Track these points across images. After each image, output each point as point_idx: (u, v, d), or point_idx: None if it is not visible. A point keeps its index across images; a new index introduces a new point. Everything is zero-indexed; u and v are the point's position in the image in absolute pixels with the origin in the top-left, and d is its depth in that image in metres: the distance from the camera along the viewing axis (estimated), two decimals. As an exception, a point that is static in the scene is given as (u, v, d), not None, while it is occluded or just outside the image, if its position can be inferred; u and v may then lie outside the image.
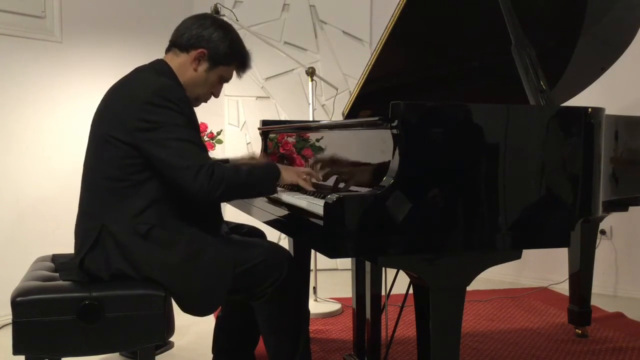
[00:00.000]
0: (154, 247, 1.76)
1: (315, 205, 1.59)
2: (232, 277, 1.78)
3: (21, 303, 1.66)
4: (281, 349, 1.90)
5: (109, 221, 1.77)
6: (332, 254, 1.42)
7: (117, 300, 1.71)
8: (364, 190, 1.59)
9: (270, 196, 1.95)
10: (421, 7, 2.19)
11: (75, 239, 1.87)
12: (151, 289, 1.75)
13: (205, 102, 2.03)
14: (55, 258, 2.09)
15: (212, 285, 1.79)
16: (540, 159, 1.56)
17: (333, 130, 2.04)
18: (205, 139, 3.73)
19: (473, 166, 1.50)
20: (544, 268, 3.88)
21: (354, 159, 1.86)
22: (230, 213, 2.66)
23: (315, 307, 3.22)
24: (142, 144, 1.74)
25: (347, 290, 2.53)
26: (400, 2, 2.17)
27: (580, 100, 2.29)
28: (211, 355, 2.25)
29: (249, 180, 1.80)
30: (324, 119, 4.03)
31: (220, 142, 3.85)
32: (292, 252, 2.60)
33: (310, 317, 2.64)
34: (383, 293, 2.22)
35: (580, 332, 2.85)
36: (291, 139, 2.36)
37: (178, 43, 1.93)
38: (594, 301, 2.96)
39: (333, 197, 1.37)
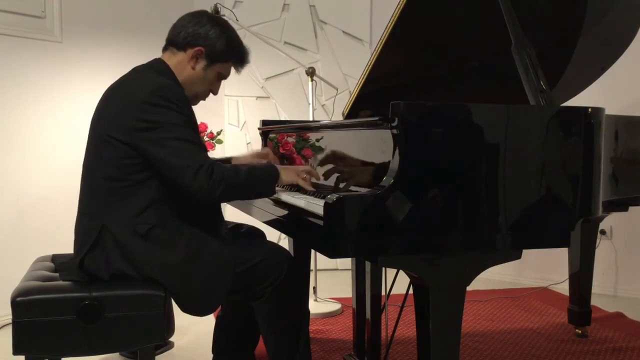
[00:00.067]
0: (154, 247, 1.76)
1: (315, 205, 1.59)
2: (232, 276, 1.78)
3: (21, 303, 1.66)
4: (281, 349, 1.90)
5: (109, 221, 1.77)
6: (332, 254, 1.42)
7: (117, 300, 1.71)
8: (364, 190, 1.59)
9: (270, 196, 1.95)
10: (421, 7, 2.19)
11: (75, 239, 1.87)
12: (151, 289, 1.75)
13: (204, 100, 2.03)
14: (55, 258, 2.09)
15: (212, 285, 1.79)
16: (540, 159, 1.56)
17: (333, 130, 2.04)
18: (205, 139, 3.72)
19: (473, 166, 1.50)
20: (544, 268, 3.88)
21: (354, 159, 1.86)
22: (230, 213, 2.66)
23: (315, 307, 3.22)
24: (141, 143, 1.73)
25: (347, 290, 2.53)
26: (400, 2, 2.17)
27: (580, 100, 2.28)
28: (211, 355, 2.25)
29: (249, 180, 1.80)
30: (324, 119, 4.02)
31: (220, 142, 3.85)
32: (292, 252, 2.60)
33: (310, 317, 2.64)
34: (383, 293, 2.22)
35: (580, 332, 2.85)
36: (291, 139, 2.36)
37: (175, 41, 1.93)
38: (594, 301, 2.96)
39: (333, 197, 1.37)
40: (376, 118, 1.56)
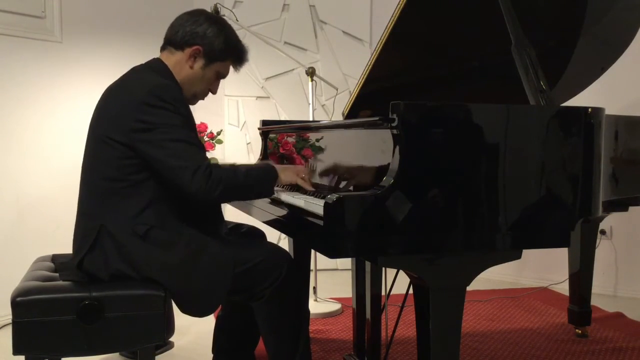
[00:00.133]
0: (153, 248, 1.76)
1: (315, 205, 1.59)
2: (231, 277, 1.78)
3: (21, 303, 1.66)
4: (281, 349, 1.90)
5: (108, 222, 1.77)
6: (332, 254, 1.42)
7: (117, 300, 1.71)
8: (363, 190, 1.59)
9: (269, 197, 1.95)
10: (421, 7, 2.19)
11: (74, 239, 1.87)
12: (151, 289, 1.75)
13: (203, 99, 2.02)
14: (55, 258, 2.09)
15: (212, 285, 1.78)
16: (540, 159, 1.56)
17: (333, 130, 2.04)
18: (205, 139, 3.73)
19: (473, 166, 1.50)
20: (544, 268, 3.88)
21: (354, 159, 1.86)
22: (230, 213, 2.66)
23: (315, 307, 3.21)
24: (139, 144, 1.73)
25: (347, 290, 2.53)
26: (400, 2, 2.17)
27: (580, 100, 2.28)
28: (211, 355, 2.25)
29: (247, 181, 1.79)
30: (324, 119, 4.02)
31: (220, 142, 3.85)
32: (292, 253, 2.60)
33: (310, 317, 2.64)
34: (383, 293, 2.22)
35: (580, 332, 2.85)
36: (291, 139, 2.36)
37: (172, 41, 1.92)
38: (594, 301, 2.96)
39: (333, 197, 1.37)
40: (376, 118, 1.56)
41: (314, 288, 3.31)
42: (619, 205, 2.50)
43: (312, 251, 2.83)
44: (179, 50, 1.92)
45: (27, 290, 1.70)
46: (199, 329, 2.90)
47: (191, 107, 1.95)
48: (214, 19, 1.95)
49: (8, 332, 1.83)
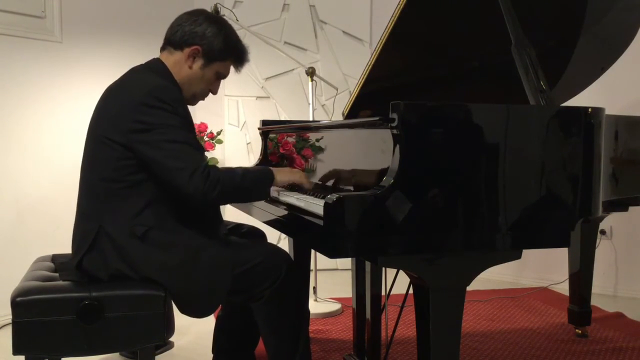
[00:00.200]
0: (152, 249, 1.76)
1: (315, 205, 1.59)
2: (230, 278, 1.78)
3: (21, 303, 1.66)
4: (281, 349, 1.90)
5: (106, 223, 1.77)
6: (332, 254, 1.42)
7: (117, 300, 1.71)
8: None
9: (266, 199, 1.95)
10: (421, 7, 2.19)
11: (73, 240, 1.86)
12: (151, 289, 1.75)
13: (203, 99, 2.02)
14: (55, 258, 2.09)
15: (211, 286, 1.78)
16: (540, 159, 1.56)
17: (333, 130, 2.04)
18: (205, 139, 3.73)
19: (473, 166, 1.50)
20: (544, 268, 3.88)
21: (354, 159, 1.86)
22: (231, 213, 2.66)
23: (315, 307, 3.21)
24: (137, 145, 1.73)
25: (347, 290, 2.53)
26: (400, 2, 2.17)
27: (580, 100, 2.28)
28: (211, 355, 2.25)
29: (244, 182, 1.79)
30: (324, 119, 4.03)
31: (220, 142, 3.85)
32: (292, 253, 2.60)
33: (310, 317, 2.64)
34: (383, 293, 2.22)
35: (580, 332, 2.85)
36: (291, 139, 2.36)
37: (172, 41, 1.92)
38: (594, 301, 2.96)
39: (333, 197, 1.37)
40: (376, 118, 1.56)
41: (314, 288, 3.31)
42: (619, 205, 2.50)
43: (312, 251, 2.83)
44: (178, 50, 1.91)
45: (27, 290, 1.69)
46: (199, 329, 2.90)
47: (191, 107, 1.95)
48: (214, 19, 1.95)
49: (8, 332, 1.83)
